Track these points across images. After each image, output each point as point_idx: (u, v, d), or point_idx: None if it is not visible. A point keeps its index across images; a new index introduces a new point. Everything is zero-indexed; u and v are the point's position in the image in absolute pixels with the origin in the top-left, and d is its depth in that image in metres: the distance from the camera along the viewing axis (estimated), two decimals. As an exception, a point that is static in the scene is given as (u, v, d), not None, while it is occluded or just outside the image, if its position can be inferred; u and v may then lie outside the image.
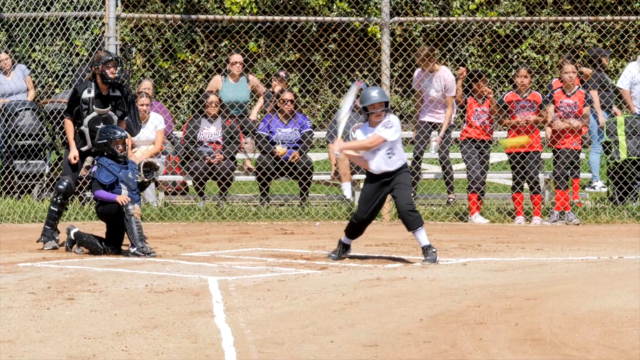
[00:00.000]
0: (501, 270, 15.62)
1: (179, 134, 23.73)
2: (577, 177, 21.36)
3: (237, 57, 22.68)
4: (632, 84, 22.32)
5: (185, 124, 22.93)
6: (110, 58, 17.33)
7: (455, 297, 13.59)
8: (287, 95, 22.18)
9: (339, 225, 20.46)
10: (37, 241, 17.47)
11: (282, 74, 23.48)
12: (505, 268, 15.79)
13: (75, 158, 17.24)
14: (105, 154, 16.82)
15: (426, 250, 15.91)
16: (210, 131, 22.12)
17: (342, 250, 16.45)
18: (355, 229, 16.31)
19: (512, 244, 18.04)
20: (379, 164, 15.79)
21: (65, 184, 17.28)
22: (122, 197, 16.52)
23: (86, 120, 17.18)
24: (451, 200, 22.17)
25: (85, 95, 17.26)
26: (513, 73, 21.98)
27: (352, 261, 16.20)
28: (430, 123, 22.17)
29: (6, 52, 23.41)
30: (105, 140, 16.89)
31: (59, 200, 17.41)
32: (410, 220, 15.85)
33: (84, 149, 17.30)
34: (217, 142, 21.99)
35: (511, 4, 27.04)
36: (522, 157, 20.75)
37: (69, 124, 17.43)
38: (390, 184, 15.89)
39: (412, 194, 16.56)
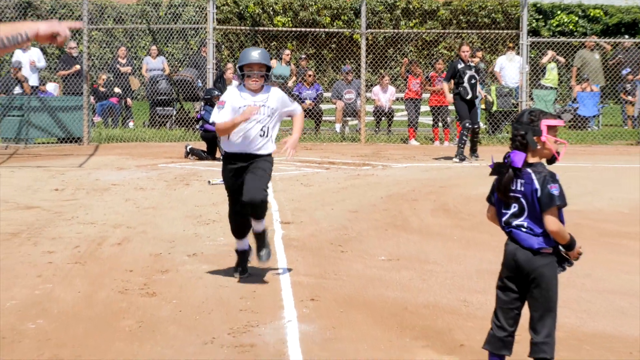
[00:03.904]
0: (426, 171, 15.58)
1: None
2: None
3: (287, 52, 22.65)
4: (501, 69, 22.16)
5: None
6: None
7: (401, 185, 13.56)
8: (310, 72, 22.19)
9: (338, 145, 20.40)
10: (454, 160, 16.89)
11: (303, 56, 23.42)
12: (428, 170, 15.74)
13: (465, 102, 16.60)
14: (209, 104, 16.84)
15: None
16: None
17: None
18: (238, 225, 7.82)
19: (432, 156, 17.95)
20: (243, 141, 7.60)
21: (468, 123, 16.63)
22: None
23: (465, 79, 16.47)
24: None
25: (458, 66, 16.62)
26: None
27: (344, 164, 16.14)
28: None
29: (156, 45, 23.32)
30: (209, 97, 17.06)
31: (465, 133, 16.76)
32: (262, 209, 7.55)
33: (468, 98, 16.51)
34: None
35: (433, 23, 26.75)
36: (438, 109, 20.61)
37: (447, 86, 16.84)
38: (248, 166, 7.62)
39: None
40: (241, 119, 7.50)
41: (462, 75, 16.60)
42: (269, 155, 7.74)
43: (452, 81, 16.83)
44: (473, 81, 16.65)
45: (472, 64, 17.05)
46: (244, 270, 7.83)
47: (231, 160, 7.68)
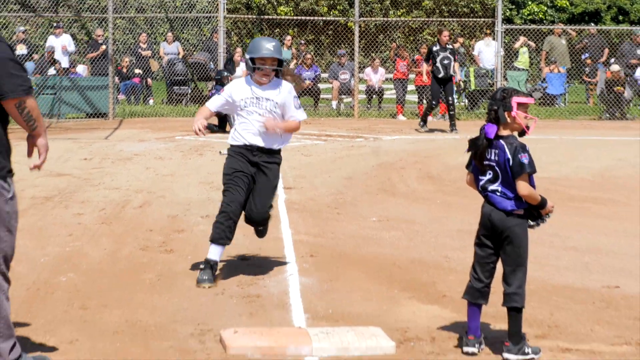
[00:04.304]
0: (412, 143, 15.52)
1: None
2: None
3: (289, 37, 22.55)
4: (479, 52, 22.01)
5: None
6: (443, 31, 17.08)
7: (390, 155, 13.52)
8: (309, 56, 22.08)
9: (334, 120, 20.29)
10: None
11: (303, 41, 23.29)
12: (415, 142, 15.68)
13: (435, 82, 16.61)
14: (220, 84, 16.73)
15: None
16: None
17: None
18: (223, 221, 6.37)
19: (416, 129, 17.86)
20: (249, 133, 6.52)
21: (434, 103, 16.89)
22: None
23: (438, 60, 16.43)
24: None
25: (434, 49, 16.66)
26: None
27: (340, 137, 16.06)
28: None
29: (172, 33, 23.16)
30: (220, 77, 16.94)
31: (428, 108, 17.16)
32: (264, 230, 6.70)
33: (440, 76, 16.45)
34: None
35: (418, 12, 26.53)
36: (423, 87, 20.48)
37: (425, 67, 17.44)
38: (256, 168, 6.58)
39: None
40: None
41: (435, 56, 16.67)
42: (278, 153, 6.53)
43: (431, 62, 16.88)
44: (446, 61, 16.63)
45: (450, 47, 17.01)
46: (210, 279, 6.08)
47: (237, 152, 6.49)
